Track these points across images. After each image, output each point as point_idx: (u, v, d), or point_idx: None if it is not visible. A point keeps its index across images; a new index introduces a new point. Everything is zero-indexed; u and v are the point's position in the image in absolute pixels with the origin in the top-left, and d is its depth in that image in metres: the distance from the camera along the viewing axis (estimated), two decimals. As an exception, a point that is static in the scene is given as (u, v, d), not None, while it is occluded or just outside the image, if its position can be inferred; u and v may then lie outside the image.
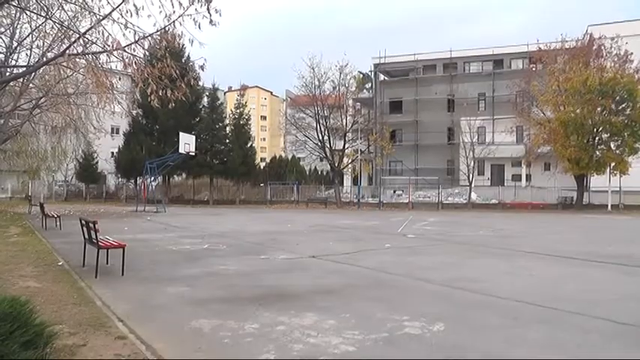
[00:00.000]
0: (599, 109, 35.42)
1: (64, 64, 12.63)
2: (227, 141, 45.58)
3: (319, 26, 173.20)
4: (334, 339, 5.40)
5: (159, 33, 7.42)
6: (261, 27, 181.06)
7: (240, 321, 6.07)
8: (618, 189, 37.65)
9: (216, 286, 8.40)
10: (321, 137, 42.90)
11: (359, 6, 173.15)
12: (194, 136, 36.05)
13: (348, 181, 52.63)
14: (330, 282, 8.88)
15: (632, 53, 36.80)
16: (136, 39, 7.23)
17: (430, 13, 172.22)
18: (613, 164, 35.90)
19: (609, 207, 36.53)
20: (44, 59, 12.04)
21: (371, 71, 57.59)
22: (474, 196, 40.80)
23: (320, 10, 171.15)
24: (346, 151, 44.70)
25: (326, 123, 42.70)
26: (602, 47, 38.19)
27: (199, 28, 6.88)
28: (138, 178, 43.78)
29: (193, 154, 35.23)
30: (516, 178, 48.45)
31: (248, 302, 7.22)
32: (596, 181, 39.77)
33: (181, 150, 33.30)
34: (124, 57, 7.48)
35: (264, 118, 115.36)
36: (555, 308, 7.06)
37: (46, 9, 8.66)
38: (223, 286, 8.40)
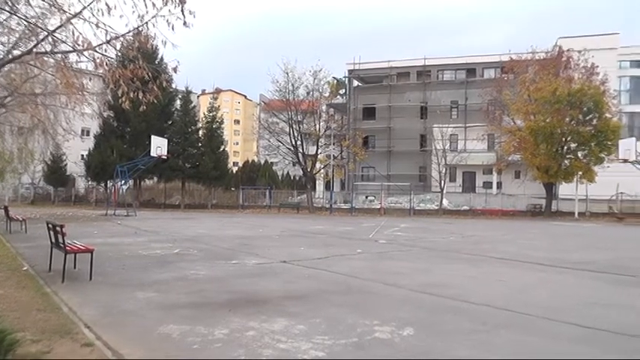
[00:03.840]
0: (567, 118, 36.28)
1: (32, 62, 12.36)
2: (199, 145, 45.24)
3: (295, 32, 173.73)
4: (304, 344, 5.38)
5: (131, 34, 7.33)
6: (238, 31, 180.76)
7: (210, 326, 6.01)
8: (585, 197, 38.50)
9: (186, 292, 8.30)
10: (294, 142, 42.89)
11: (335, 13, 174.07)
12: (166, 140, 35.67)
13: (320, 186, 52.68)
14: (301, 287, 8.86)
15: (597, 66, 37.90)
16: (108, 39, 7.13)
17: (405, 23, 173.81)
18: (580, 173, 36.80)
19: (576, 214, 37.36)
20: (10, 57, 11.72)
21: (345, 77, 57.92)
22: (445, 202, 41.24)
23: (296, 16, 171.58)
24: (319, 156, 44.76)
25: (299, 128, 42.73)
26: (571, 59, 39.16)
27: (172, 29, 6.82)
28: (108, 182, 43.10)
29: (165, 157, 34.86)
30: (487, 185, 49.09)
31: (218, 307, 7.16)
32: (565, 189, 40.69)
33: (153, 153, 32.94)
34: (95, 57, 7.38)
35: (237, 122, 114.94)
36: (524, 313, 7.16)
37: (10, 3, 8.31)
38: (193, 292, 8.30)
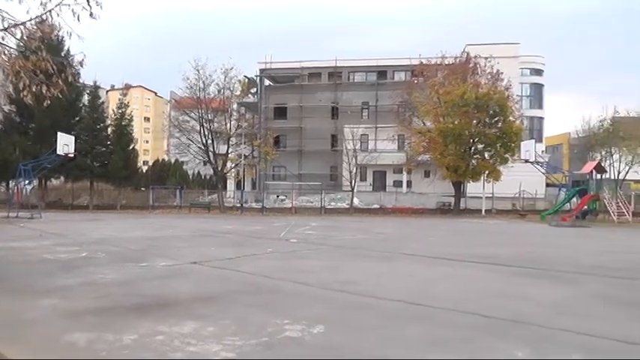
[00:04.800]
0: (474, 121, 37.94)
1: None
2: (108, 143, 43.76)
3: (207, 30, 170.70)
4: (214, 346, 5.32)
5: (33, 22, 6.98)
6: (148, 27, 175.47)
7: (118, 333, 5.80)
8: (491, 195, 40.51)
9: (93, 297, 7.97)
10: (204, 141, 42.28)
11: (246, 13, 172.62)
12: (73, 137, 34.14)
13: (231, 185, 52.34)
14: (211, 288, 8.74)
15: (502, 73, 40.03)
16: (6, 26, 6.75)
17: (315, 24, 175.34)
18: (487, 172, 38.61)
19: (483, 212, 39.16)
20: None
21: (257, 76, 57.68)
22: (356, 201, 42.00)
23: (209, 14, 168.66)
24: (230, 155, 44.38)
25: (210, 126, 42.17)
26: (478, 65, 41.02)
27: (78, 20, 6.56)
28: (10, 181, 40.67)
29: (72, 155, 33.38)
30: (397, 184, 50.38)
31: (127, 312, 6.94)
32: (472, 188, 42.52)
33: (59, 151, 31.46)
34: (-9, 45, 6.96)
35: (147, 119, 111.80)
36: (431, 306, 7.40)
37: None
38: (101, 296, 7.97)
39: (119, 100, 47.65)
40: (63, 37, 8.23)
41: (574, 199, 33.83)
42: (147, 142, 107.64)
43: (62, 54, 25.49)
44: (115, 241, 16.84)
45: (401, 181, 50.88)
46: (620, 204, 33.72)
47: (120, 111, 45.21)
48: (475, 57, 41.62)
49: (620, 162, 42.73)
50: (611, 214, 32.97)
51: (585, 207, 32.61)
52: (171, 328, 6.02)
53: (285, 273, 10.49)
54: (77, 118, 43.53)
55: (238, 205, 42.76)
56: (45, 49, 7.02)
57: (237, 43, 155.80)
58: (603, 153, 45.11)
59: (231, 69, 42.25)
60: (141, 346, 5.36)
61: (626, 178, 43.33)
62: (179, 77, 42.54)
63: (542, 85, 59.22)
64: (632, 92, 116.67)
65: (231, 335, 5.72)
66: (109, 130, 44.80)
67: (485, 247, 16.72)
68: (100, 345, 5.42)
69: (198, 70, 41.35)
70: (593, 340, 5.84)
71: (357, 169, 42.94)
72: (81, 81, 40.87)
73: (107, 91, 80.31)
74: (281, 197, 46.46)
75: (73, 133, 37.04)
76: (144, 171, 58.37)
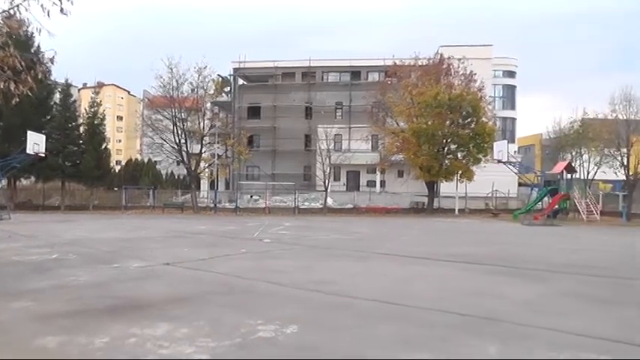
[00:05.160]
0: (448, 122, 38.25)
1: None
2: (80, 142, 43.10)
3: (181, 28, 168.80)
4: (187, 348, 5.28)
5: (0, 17, 6.86)
6: (121, 25, 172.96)
7: (90, 335, 5.72)
8: (464, 195, 40.94)
9: (65, 299, 7.83)
10: (178, 140, 41.78)
11: (221, 12, 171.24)
12: (44, 136, 33.57)
13: (205, 185, 51.88)
14: (184, 289, 8.67)
15: (475, 74, 40.42)
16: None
17: (290, 24, 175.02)
18: (460, 172, 38.98)
19: (456, 211, 39.51)
20: None
21: (230, 75, 57.33)
22: (329, 201, 42.03)
23: (184, 12, 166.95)
24: (203, 155, 43.97)
25: (183, 126, 41.66)
26: (451, 67, 41.33)
27: (48, 15, 6.45)
28: (-23, 181, 39.82)
29: (43, 155, 32.83)
30: (371, 184, 50.51)
31: (99, 315, 6.83)
32: (446, 188, 42.89)
33: (29, 151, 30.94)
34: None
35: (120, 118, 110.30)
36: (406, 305, 7.45)
37: None
38: (73, 299, 7.85)
39: (91, 98, 47.01)
40: (32, 33, 8.04)
41: (545, 199, 34.36)
42: (120, 141, 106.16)
43: (32, 50, 25.06)
44: (88, 243, 16.62)
45: (374, 181, 51.06)
46: (590, 203, 34.45)
47: (92, 110, 44.60)
48: (448, 58, 41.90)
49: (589, 162, 43.59)
50: (581, 213, 33.65)
51: (556, 206, 33.17)
52: (144, 330, 5.96)
53: (258, 273, 10.46)
54: (48, 117, 42.65)
55: (212, 205, 42.48)
56: (13, 44, 6.89)
57: (211, 43, 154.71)
58: (573, 153, 45.86)
59: (205, 68, 41.83)
60: (113, 349, 5.29)
61: (595, 178, 44.22)
62: (152, 76, 41.73)
63: (514, 87, 60.06)
64: (601, 94, 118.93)
65: (204, 336, 5.69)
66: (81, 129, 44.13)
67: (458, 246, 16.86)
68: (71, 348, 5.35)
69: (171, 69, 40.87)
70: (563, 336, 5.97)
71: (330, 169, 42.90)
72: (52, 78, 40.13)
73: (79, 90, 79.07)
74: (254, 197, 46.28)
75: (44, 131, 36.46)
76: (117, 171, 57.75)
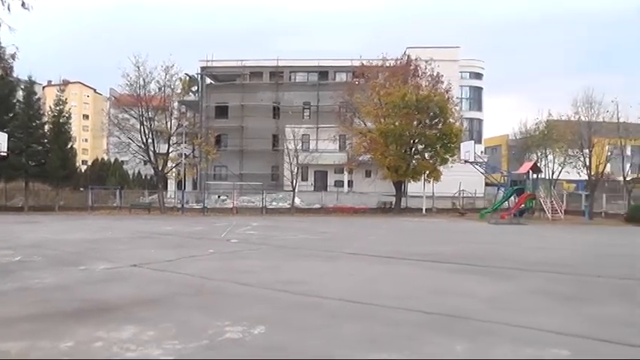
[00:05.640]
0: (415, 122, 38.58)
1: None
2: (45, 141, 42.10)
3: (149, 26, 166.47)
4: (154, 350, 5.24)
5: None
6: (90, 21, 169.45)
7: (54, 340, 5.61)
8: (432, 194, 41.40)
9: (28, 303, 7.67)
10: (145, 140, 41.29)
11: (189, 11, 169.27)
12: (6, 135, 32.80)
13: (172, 185, 51.29)
14: (151, 291, 8.60)
15: (442, 75, 40.95)
16: None
17: (258, 24, 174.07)
18: (427, 172, 39.36)
19: (424, 210, 39.89)
20: None
21: (198, 74, 56.87)
22: (297, 200, 42.02)
23: (150, 10, 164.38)
24: (171, 154, 43.52)
25: (150, 125, 41.20)
26: (419, 68, 41.77)
27: (9, 10, 6.33)
28: None
29: (5, 154, 32.08)
30: (339, 184, 50.65)
31: (64, 318, 6.71)
32: (413, 187, 43.27)
33: (-11, 149, 30.21)
34: None
35: (86, 117, 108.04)
36: (372, 304, 7.52)
37: None
38: (36, 302, 7.68)
39: (56, 96, 45.95)
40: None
41: (512, 198, 35.01)
42: (86, 140, 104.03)
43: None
44: (52, 244, 16.32)
45: (342, 181, 51.22)
46: (554, 203, 35.24)
47: (57, 108, 43.64)
48: (416, 59, 42.30)
49: (553, 163, 44.54)
50: (546, 212, 34.36)
51: (522, 205, 33.85)
52: (110, 333, 5.88)
53: (226, 274, 10.44)
54: (11, 115, 41.60)
55: (179, 205, 42.08)
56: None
57: (179, 41, 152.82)
58: (539, 154, 46.74)
59: (172, 66, 41.36)
60: (78, 353, 5.21)
61: (559, 178, 45.23)
62: (119, 74, 41.01)
63: (481, 88, 60.89)
64: (565, 96, 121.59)
65: (171, 339, 5.65)
66: (46, 127, 43.12)
67: (425, 245, 17.08)
68: (34, 353, 5.24)
69: (138, 67, 40.35)
70: (528, 331, 6.10)
71: (298, 169, 42.87)
72: (14, 75, 39.14)
73: (43, 87, 77.21)
74: (222, 197, 45.98)
75: (6, 130, 35.64)
76: (83, 171, 56.69)
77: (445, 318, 6.79)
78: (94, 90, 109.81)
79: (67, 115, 44.33)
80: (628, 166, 37.59)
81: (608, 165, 39.59)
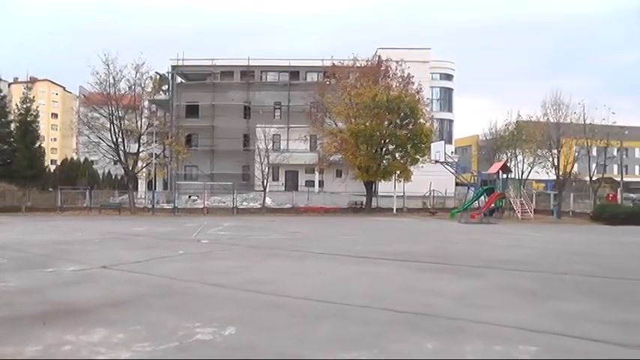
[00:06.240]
0: (386, 122, 38.76)
1: None
2: (12, 140, 41.44)
3: (119, 24, 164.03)
4: (123, 353, 5.20)
5: None
6: (58, 17, 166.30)
7: (21, 344, 5.49)
8: (402, 194, 41.71)
9: (-7, 306, 7.59)
10: (115, 139, 40.58)
11: (159, 9, 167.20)
12: (-29, 134, 32.09)
13: (142, 185, 50.69)
14: (121, 293, 8.51)
15: (413, 76, 41.30)
16: None
17: (229, 24, 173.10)
18: (398, 172, 39.61)
19: (395, 210, 40.13)
20: None
21: (168, 73, 56.28)
22: (268, 200, 41.86)
23: (121, 8, 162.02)
24: (141, 154, 42.99)
25: (120, 124, 40.51)
26: (389, 68, 42.04)
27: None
28: None
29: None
30: (310, 183, 50.69)
31: (31, 322, 6.55)
32: (384, 187, 43.43)
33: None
34: None
35: (55, 115, 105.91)
36: (343, 303, 7.56)
37: None
38: (2, 305, 7.50)
39: (23, 94, 45.26)
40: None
41: (482, 198, 35.46)
42: (55, 139, 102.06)
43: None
44: (19, 246, 15.99)
45: (313, 181, 51.24)
46: (524, 202, 35.88)
47: (24, 106, 42.96)
48: (387, 60, 42.56)
49: (523, 163, 45.30)
50: (516, 211, 34.98)
51: (492, 205, 34.33)
52: (79, 336, 5.81)
53: (196, 275, 10.40)
54: (-24, 114, 40.89)
55: (149, 205, 41.60)
56: None
57: (149, 40, 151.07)
58: (509, 154, 47.44)
59: (143, 64, 40.75)
60: (46, 358, 5.15)
61: (529, 177, 46.03)
62: (88, 71, 40.26)
63: (451, 89, 61.39)
64: (534, 98, 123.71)
65: (141, 341, 5.62)
66: (12, 126, 42.44)
67: (396, 245, 17.23)
68: (-1, 359, 5.15)
69: (108, 65, 39.61)
70: (497, 328, 6.24)
71: (269, 169, 42.71)
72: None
73: (9, 84, 75.62)
74: (193, 197, 45.55)
75: (-31, 128, 34.84)
76: (51, 170, 55.73)
77: (416, 316, 6.87)
78: (64, 88, 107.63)
79: (34, 114, 43.69)
80: (594, 166, 38.43)
81: (576, 165, 40.45)
